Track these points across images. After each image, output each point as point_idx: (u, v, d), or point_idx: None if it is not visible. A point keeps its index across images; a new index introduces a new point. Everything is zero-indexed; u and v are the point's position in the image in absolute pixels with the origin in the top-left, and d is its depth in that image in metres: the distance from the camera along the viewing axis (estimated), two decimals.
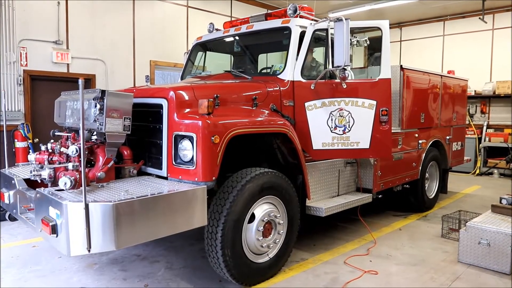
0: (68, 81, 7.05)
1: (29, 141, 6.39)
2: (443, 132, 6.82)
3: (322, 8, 10.32)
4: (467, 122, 8.08)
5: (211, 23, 5.49)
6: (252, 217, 3.62)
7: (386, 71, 4.43)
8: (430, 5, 10.67)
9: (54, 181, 3.28)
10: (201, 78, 5.10)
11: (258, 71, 5.00)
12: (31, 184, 3.62)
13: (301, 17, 4.55)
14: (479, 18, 10.37)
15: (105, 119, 3.24)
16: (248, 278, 3.65)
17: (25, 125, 6.42)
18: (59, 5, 6.95)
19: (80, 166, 2.89)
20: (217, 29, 5.41)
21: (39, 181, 3.42)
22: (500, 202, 4.75)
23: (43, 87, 6.92)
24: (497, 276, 4.00)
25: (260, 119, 3.84)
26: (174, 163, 3.42)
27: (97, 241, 2.67)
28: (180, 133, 3.36)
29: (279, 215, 3.85)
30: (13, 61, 6.43)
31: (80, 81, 2.64)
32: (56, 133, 3.91)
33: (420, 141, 6.11)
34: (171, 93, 3.54)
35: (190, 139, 3.27)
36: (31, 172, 3.38)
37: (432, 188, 6.82)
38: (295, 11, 4.51)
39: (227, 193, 3.42)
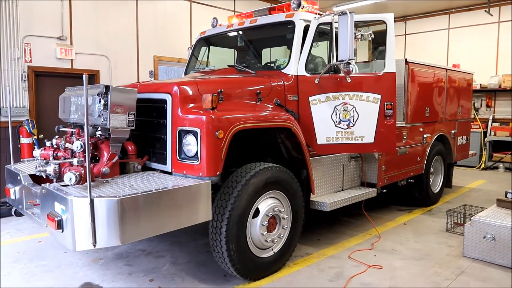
0: (72, 77, 7.06)
1: (34, 137, 6.42)
2: (448, 126, 6.78)
3: (326, 2, 10.25)
4: (472, 116, 8.03)
5: (215, 18, 5.47)
6: (257, 212, 3.62)
7: (390, 65, 4.40)
8: None
9: (59, 177, 3.30)
10: (205, 73, 5.09)
11: (262, 66, 4.98)
12: (37, 179, 3.65)
13: (305, 11, 4.52)
14: (485, 11, 10.26)
15: (109, 114, 3.25)
16: (253, 272, 3.66)
17: (29, 121, 6.44)
18: (63, 1, 6.95)
19: (85, 162, 2.89)
20: (220, 24, 5.40)
21: (44, 177, 3.44)
22: (506, 196, 4.72)
23: (47, 83, 6.94)
24: (502, 270, 3.99)
25: (264, 113, 3.83)
26: (178, 158, 3.43)
27: (102, 236, 2.69)
28: (184, 128, 3.37)
29: (283, 209, 3.85)
30: (17, 57, 6.44)
31: (84, 77, 2.64)
32: (60, 129, 3.93)
33: (424, 135, 6.08)
34: (175, 88, 3.54)
35: (194, 134, 3.27)
36: (36, 167, 3.40)
37: (436, 183, 6.79)
38: (299, 5, 4.48)
39: (231, 188, 3.43)
